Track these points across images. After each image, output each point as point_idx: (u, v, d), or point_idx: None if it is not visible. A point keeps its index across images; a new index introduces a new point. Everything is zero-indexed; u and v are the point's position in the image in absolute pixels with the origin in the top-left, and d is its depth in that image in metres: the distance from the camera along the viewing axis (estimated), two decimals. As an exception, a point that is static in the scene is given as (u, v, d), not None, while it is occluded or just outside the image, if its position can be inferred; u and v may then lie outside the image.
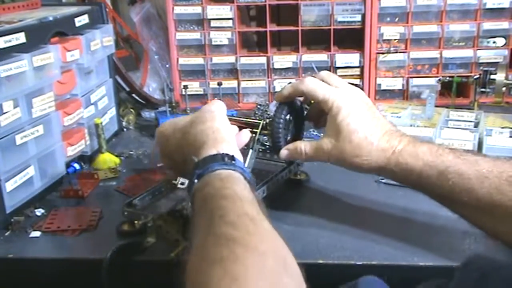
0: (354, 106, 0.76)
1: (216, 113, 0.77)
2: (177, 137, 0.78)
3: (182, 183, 0.88)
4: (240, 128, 0.84)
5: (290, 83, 0.83)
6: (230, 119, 0.92)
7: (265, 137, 0.88)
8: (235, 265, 0.47)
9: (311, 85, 0.79)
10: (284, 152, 0.84)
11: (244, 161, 0.83)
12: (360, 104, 0.77)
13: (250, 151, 0.85)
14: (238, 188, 0.61)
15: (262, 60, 1.46)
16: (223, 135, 0.72)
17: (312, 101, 0.88)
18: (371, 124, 0.76)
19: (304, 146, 0.82)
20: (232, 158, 0.67)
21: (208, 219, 0.55)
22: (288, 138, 0.87)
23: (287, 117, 0.85)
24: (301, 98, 0.87)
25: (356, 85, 1.27)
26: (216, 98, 1.35)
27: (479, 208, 0.68)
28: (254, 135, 0.86)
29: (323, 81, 0.80)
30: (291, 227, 0.83)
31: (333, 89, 0.78)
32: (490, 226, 0.69)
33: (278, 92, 0.85)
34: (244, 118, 0.92)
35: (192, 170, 0.67)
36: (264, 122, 0.87)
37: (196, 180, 0.64)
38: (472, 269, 0.45)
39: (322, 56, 1.45)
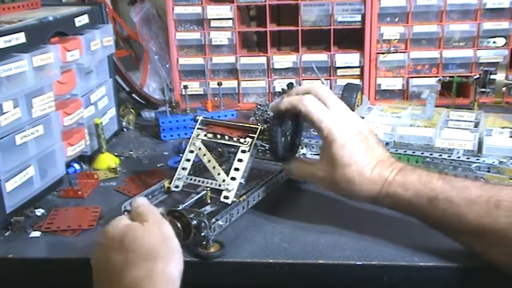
0: (348, 137, 0.76)
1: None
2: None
3: (176, 186, 0.88)
4: (239, 130, 0.83)
5: (290, 83, 0.83)
6: (229, 122, 0.92)
7: (262, 142, 0.87)
8: None
9: (309, 106, 0.78)
10: (284, 165, 0.89)
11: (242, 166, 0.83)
12: (354, 134, 0.77)
13: (247, 155, 0.85)
14: None
15: (262, 60, 1.46)
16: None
17: None
18: (365, 156, 0.76)
19: (296, 166, 0.85)
20: None
21: None
22: (286, 138, 0.86)
23: (284, 125, 0.84)
24: None
25: (356, 85, 1.28)
26: (216, 98, 1.35)
27: (469, 233, 0.69)
28: (251, 139, 0.85)
29: (320, 100, 0.79)
30: (291, 227, 0.83)
31: (330, 114, 0.77)
32: (482, 251, 0.70)
33: (275, 103, 0.83)
34: (241, 122, 0.91)
35: None
36: (262, 128, 0.86)
37: None
38: None
39: (322, 56, 1.45)
